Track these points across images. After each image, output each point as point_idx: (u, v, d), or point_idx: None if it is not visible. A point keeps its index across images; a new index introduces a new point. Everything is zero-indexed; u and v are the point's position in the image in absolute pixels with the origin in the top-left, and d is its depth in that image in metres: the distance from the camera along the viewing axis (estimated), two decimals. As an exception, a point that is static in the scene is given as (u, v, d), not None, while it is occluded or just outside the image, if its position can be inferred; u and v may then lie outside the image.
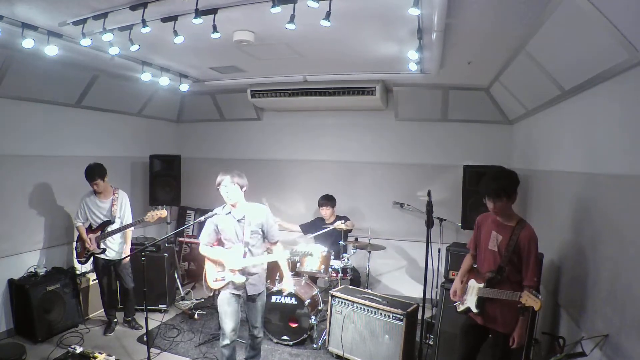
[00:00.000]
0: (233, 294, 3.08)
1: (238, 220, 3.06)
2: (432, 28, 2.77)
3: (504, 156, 4.85)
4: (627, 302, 2.12)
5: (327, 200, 5.07)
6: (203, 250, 3.14)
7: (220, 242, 3.16)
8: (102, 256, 4.07)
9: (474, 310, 2.67)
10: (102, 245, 4.03)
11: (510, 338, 2.54)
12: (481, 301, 2.64)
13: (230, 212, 3.08)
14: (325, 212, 5.06)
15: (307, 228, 5.14)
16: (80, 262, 4.19)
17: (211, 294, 3.24)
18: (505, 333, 2.58)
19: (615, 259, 2.30)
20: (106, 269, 4.14)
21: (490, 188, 2.55)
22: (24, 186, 4.18)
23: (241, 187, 3.05)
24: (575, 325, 2.74)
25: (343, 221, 4.78)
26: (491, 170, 4.32)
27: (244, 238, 3.04)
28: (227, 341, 3.05)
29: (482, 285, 2.65)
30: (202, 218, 3.14)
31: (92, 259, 4.13)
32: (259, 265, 3.15)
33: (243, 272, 3.04)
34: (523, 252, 2.51)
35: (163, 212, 3.98)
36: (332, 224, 4.82)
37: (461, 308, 2.81)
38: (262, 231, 3.14)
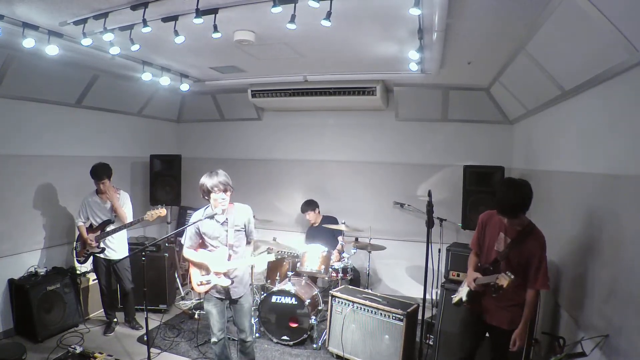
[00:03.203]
0: (217, 297, 3.07)
1: (221, 223, 3.00)
2: (433, 28, 2.78)
3: (504, 156, 4.86)
4: (627, 302, 2.12)
5: (307, 205, 5.19)
6: (186, 253, 3.09)
7: (202, 245, 3.10)
8: (101, 256, 4.07)
9: (464, 298, 2.71)
10: (101, 245, 4.03)
11: (511, 340, 2.54)
12: (472, 292, 2.68)
13: (213, 216, 2.97)
14: (310, 216, 5.17)
15: (309, 240, 5.20)
16: (79, 262, 4.18)
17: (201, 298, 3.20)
18: (510, 330, 2.58)
19: (615, 259, 2.30)
20: (106, 269, 4.14)
21: (507, 211, 2.45)
22: (24, 186, 4.18)
23: (231, 193, 2.99)
24: (575, 325, 2.74)
25: (343, 221, 4.82)
26: (491, 170, 4.41)
27: (228, 241, 3.00)
28: (215, 339, 3.10)
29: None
30: (188, 225, 3.02)
31: (91, 258, 4.13)
32: (242, 267, 3.11)
33: (228, 275, 3.01)
34: (533, 260, 2.49)
35: (162, 211, 3.98)
36: (320, 224, 5.00)
37: (455, 299, 2.84)
38: (245, 230, 3.08)
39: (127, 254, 4.14)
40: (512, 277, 2.36)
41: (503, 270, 2.52)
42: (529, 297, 2.53)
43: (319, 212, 5.21)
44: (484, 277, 2.60)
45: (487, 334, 2.78)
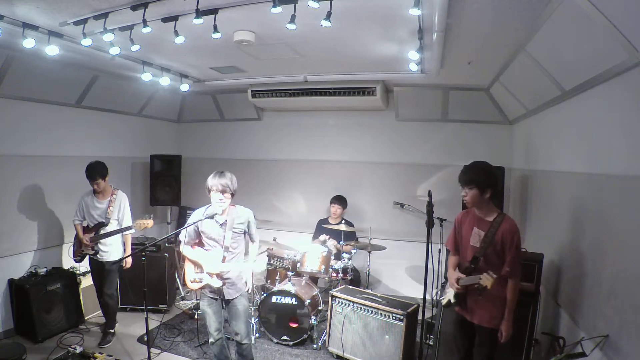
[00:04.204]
0: (210, 297, 3.07)
1: (220, 225, 3.01)
2: (433, 28, 2.78)
3: (504, 156, 4.85)
4: (627, 302, 2.12)
5: (339, 200, 5.14)
6: (183, 249, 3.11)
7: (201, 243, 3.11)
8: (96, 257, 4.02)
9: (452, 300, 2.73)
10: (95, 247, 3.95)
11: (499, 332, 2.55)
12: (457, 293, 2.69)
13: (213, 216, 2.98)
14: (335, 210, 5.11)
15: (316, 235, 5.19)
16: (75, 261, 4.14)
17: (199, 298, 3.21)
18: (491, 327, 2.58)
19: (615, 259, 2.30)
20: (101, 271, 4.09)
21: (462, 175, 2.67)
22: (24, 186, 4.18)
23: (233, 195, 3.00)
24: (575, 325, 2.75)
25: (343, 221, 4.80)
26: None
27: (224, 242, 3.00)
28: (212, 339, 3.11)
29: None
30: (189, 224, 3.03)
31: (87, 259, 4.08)
32: (236, 269, 3.09)
33: (220, 276, 3.01)
34: (505, 245, 2.51)
35: (149, 223, 3.91)
36: (335, 224, 4.87)
37: (444, 301, 2.85)
38: (245, 232, 3.10)
39: (121, 256, 4.04)
40: (495, 276, 2.41)
41: (483, 266, 2.56)
42: (509, 286, 2.54)
43: (342, 212, 5.17)
44: (467, 278, 2.62)
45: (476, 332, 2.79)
